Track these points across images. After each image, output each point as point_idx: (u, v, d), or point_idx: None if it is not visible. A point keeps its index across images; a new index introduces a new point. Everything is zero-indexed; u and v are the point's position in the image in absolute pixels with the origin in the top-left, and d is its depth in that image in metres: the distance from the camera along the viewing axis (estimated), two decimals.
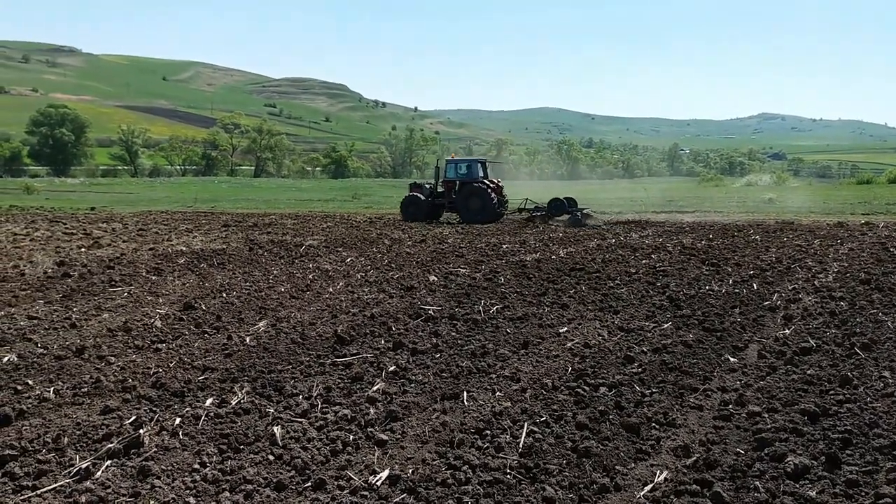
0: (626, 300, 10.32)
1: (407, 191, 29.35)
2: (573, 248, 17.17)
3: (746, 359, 7.34)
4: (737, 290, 11.11)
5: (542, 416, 5.49)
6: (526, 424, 5.28)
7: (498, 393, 6.08)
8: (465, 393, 6.02)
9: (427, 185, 28.71)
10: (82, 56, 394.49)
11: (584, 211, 26.87)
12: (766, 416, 5.51)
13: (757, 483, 4.36)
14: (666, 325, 8.69)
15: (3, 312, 9.63)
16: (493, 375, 6.59)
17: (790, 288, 11.35)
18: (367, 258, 15.58)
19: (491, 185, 26.89)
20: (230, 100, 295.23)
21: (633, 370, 6.76)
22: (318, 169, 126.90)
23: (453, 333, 8.21)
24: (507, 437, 5.12)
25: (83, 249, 16.91)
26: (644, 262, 14.52)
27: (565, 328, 8.46)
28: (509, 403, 5.80)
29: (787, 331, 8.34)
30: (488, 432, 5.21)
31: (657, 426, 5.40)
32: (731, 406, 5.80)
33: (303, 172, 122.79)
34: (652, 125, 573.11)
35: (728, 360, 7.26)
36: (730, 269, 13.38)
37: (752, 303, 10.18)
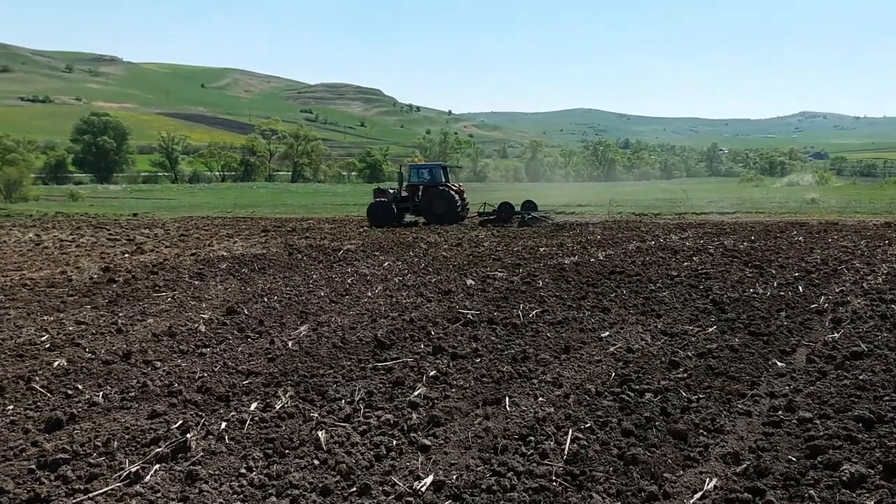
0: (669, 304, 10.16)
1: (372, 196, 29.97)
2: (612, 250, 17.00)
3: (795, 363, 7.17)
4: (782, 293, 10.86)
5: (586, 423, 5.43)
6: (570, 431, 5.23)
7: (540, 398, 6.02)
8: (507, 398, 5.98)
9: (391, 191, 29.66)
10: (123, 65, 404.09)
11: (533, 215, 27.71)
12: (818, 422, 5.36)
13: (811, 492, 4.24)
14: (710, 329, 8.52)
15: (52, 318, 9.89)
16: (535, 381, 6.54)
17: (837, 290, 11.06)
18: (405, 262, 15.63)
19: (454, 189, 28.14)
20: (267, 106, 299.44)
21: (679, 375, 6.64)
22: (353, 173, 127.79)
23: (493, 338, 8.18)
24: (552, 443, 5.07)
25: (127, 255, 17.29)
26: (685, 264, 14.30)
27: (607, 332, 8.36)
28: (552, 409, 5.75)
29: (836, 334, 8.12)
30: (532, 438, 5.16)
31: (705, 433, 5.29)
32: (780, 412, 5.66)
33: (339, 177, 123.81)
34: (689, 125, 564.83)
35: (776, 364, 7.09)
36: (774, 272, 13.10)
37: (799, 306, 9.94)
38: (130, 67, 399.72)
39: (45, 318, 9.88)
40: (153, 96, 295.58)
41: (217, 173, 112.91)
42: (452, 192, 27.79)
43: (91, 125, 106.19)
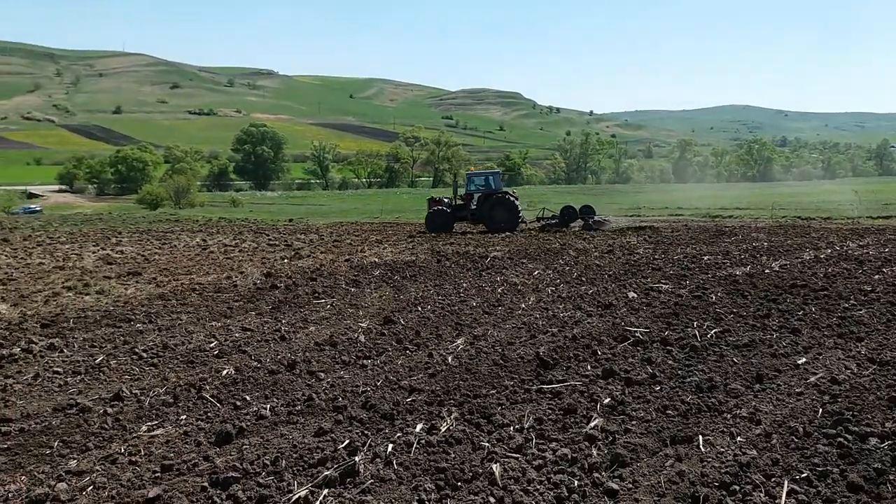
0: (869, 324, 8.88)
1: (427, 205, 30.30)
2: (785, 260, 15.46)
3: None
4: None
5: (801, 472, 4.65)
6: (785, 482, 4.48)
7: (739, 438, 5.27)
8: (699, 436, 5.28)
9: (446, 199, 30.12)
10: (279, 78, 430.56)
11: (596, 218, 28.32)
12: None
13: None
14: None
15: (220, 324, 10.25)
16: (728, 415, 5.77)
17: None
18: (555, 271, 15.04)
19: (512, 195, 28.21)
20: (411, 114, 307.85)
21: None
22: None
23: (669, 361, 7.43)
24: (762, 495, 4.35)
25: (286, 260, 17.94)
26: (876, 276, 12.67)
27: (803, 359, 7.35)
28: (755, 452, 4.99)
29: None
30: (737, 487, 4.46)
31: None
32: None
33: None
34: (855, 120, 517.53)
35: None
36: None
37: None
38: (285, 80, 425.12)
39: (213, 323, 10.26)
40: (306, 107, 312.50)
41: (364, 180, 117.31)
42: (512, 199, 28.10)
43: (250, 136, 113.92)
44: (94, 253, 20.62)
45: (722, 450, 5.07)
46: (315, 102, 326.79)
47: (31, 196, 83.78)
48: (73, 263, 17.87)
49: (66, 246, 23.14)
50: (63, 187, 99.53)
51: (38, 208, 65.66)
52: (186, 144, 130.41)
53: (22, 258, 19.35)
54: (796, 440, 5.21)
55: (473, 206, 28.30)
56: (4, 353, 8.52)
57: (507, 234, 26.67)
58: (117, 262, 18.15)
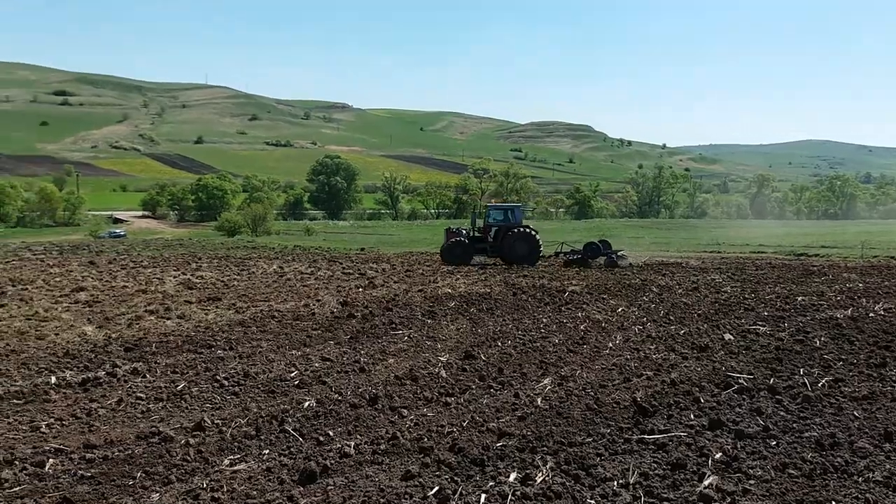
0: None
1: (444, 236, 29.52)
2: (888, 302, 14.37)
3: None
4: None
5: None
6: None
7: None
8: (832, 503, 4.71)
9: (464, 230, 29.33)
10: (352, 111, 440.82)
11: (620, 253, 27.58)
12: None
13: None
14: None
15: (299, 352, 10.14)
16: (859, 478, 5.16)
17: None
18: (639, 308, 14.43)
19: (533, 230, 27.99)
20: (480, 146, 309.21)
21: None
22: (561, 210, 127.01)
23: (782, 413, 6.80)
24: None
25: (361, 289, 17.86)
26: None
27: None
28: None
29: None
30: None
31: None
32: None
33: (546, 214, 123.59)
34: None
35: None
36: None
37: None
38: (359, 113, 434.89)
39: (292, 352, 10.16)
40: (378, 140, 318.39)
41: (432, 211, 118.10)
42: (533, 233, 27.65)
43: (325, 167, 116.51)
44: (174, 277, 21.08)
45: None
46: (387, 135, 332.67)
47: (117, 221, 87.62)
48: (155, 287, 18.28)
49: (149, 270, 23.80)
50: (146, 213, 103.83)
51: (122, 233, 68.45)
52: (264, 174, 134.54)
53: (107, 281, 19.95)
54: None
55: (490, 239, 27.86)
56: (90, 375, 8.60)
57: (579, 268, 26.01)
58: (197, 287, 18.46)
